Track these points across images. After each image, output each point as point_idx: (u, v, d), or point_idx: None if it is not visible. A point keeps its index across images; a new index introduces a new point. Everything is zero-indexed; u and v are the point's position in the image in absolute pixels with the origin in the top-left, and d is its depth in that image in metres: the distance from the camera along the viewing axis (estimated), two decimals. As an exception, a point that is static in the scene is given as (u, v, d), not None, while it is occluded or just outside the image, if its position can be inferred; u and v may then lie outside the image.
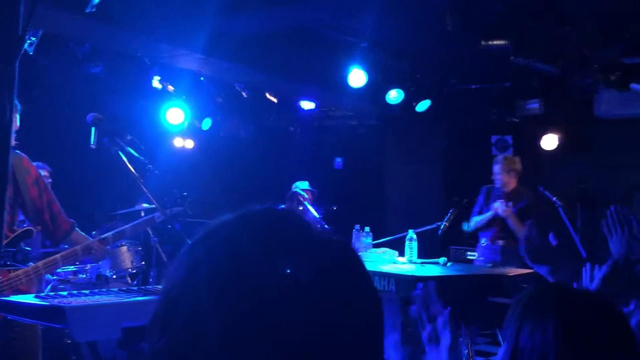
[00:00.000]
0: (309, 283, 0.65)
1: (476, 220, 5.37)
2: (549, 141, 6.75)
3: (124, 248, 5.18)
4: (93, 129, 3.74)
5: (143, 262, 5.29)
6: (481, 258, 5.33)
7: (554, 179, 5.25)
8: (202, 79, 6.25)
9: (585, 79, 5.87)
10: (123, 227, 2.97)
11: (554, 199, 4.92)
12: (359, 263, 0.72)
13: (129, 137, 2.80)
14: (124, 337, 1.85)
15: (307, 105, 7.05)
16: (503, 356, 1.20)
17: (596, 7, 4.81)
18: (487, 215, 5.26)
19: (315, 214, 5.00)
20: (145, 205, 5.38)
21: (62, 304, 1.85)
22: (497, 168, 5.33)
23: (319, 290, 0.65)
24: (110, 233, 2.89)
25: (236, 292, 0.64)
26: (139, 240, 5.36)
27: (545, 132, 6.79)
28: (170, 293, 0.68)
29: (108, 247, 2.84)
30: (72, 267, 4.84)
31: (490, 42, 5.14)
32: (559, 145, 6.74)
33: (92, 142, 4.06)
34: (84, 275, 4.91)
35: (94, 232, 4.35)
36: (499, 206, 5.08)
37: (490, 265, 4.95)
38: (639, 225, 1.98)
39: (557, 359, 1.10)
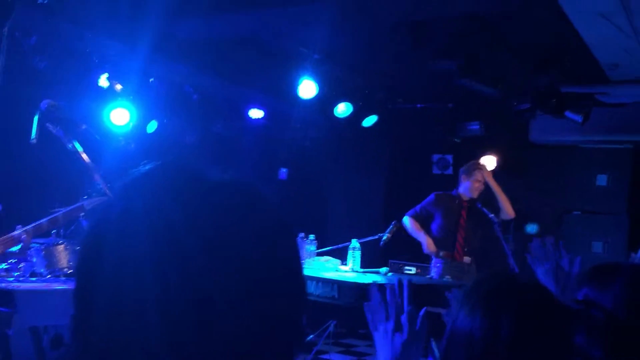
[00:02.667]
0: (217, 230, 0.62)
1: (410, 224, 5.39)
2: (487, 162, 7.00)
3: (61, 247, 5.02)
4: (35, 123, 3.65)
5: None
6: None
7: (490, 199, 5.45)
8: (151, 80, 6.17)
9: (523, 104, 6.16)
10: (55, 214, 2.88)
11: (491, 215, 5.11)
12: (262, 202, 0.68)
13: (83, 127, 2.75)
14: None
15: (255, 114, 7.07)
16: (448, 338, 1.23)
17: (538, 37, 5.08)
18: (419, 236, 5.32)
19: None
20: (85, 202, 5.24)
21: (10, 287, 1.81)
22: (481, 175, 5.33)
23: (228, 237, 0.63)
24: (43, 220, 2.80)
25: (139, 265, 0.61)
26: (76, 239, 5.22)
27: (484, 153, 7.05)
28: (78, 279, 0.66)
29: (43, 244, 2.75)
30: (4, 264, 4.67)
31: (437, 63, 5.34)
32: (496, 167, 7.00)
33: (32, 137, 3.96)
34: (17, 273, 4.74)
35: (18, 226, 4.22)
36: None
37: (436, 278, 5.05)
38: (570, 262, 1.91)
39: (506, 347, 1.12)
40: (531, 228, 6.33)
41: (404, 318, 1.38)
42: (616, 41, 4.67)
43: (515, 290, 1.18)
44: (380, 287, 1.48)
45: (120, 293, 0.61)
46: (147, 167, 0.69)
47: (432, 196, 5.47)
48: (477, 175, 5.29)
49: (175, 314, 0.60)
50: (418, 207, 5.46)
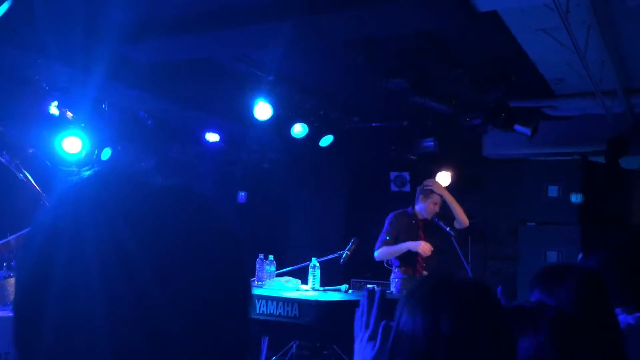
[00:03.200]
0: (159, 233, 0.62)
1: (384, 251, 5.27)
2: (443, 178, 7.12)
3: (12, 280, 4.88)
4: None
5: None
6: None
7: (446, 214, 5.53)
8: (104, 106, 6.09)
9: (475, 119, 6.30)
10: (7, 239, 2.80)
11: (448, 229, 5.19)
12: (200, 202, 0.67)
13: (31, 151, 2.69)
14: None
15: (212, 137, 7.05)
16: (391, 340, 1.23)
17: (486, 53, 5.23)
18: (401, 247, 5.23)
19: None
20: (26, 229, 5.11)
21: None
22: (438, 198, 5.33)
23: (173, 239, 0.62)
24: None
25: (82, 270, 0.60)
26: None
27: (439, 169, 7.17)
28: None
29: None
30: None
31: (389, 81, 5.43)
32: (451, 182, 7.12)
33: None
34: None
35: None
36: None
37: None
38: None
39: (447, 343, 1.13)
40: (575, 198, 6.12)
41: (379, 330, 1.37)
42: (559, 56, 4.85)
43: (452, 287, 1.19)
44: (370, 294, 1.47)
45: (62, 304, 0.60)
46: (86, 174, 0.68)
47: (390, 217, 5.43)
48: (435, 198, 5.33)
49: (122, 330, 0.59)
50: (384, 235, 5.35)
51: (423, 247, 5.16)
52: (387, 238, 5.30)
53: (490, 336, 1.15)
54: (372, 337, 1.36)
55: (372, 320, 1.36)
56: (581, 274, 1.96)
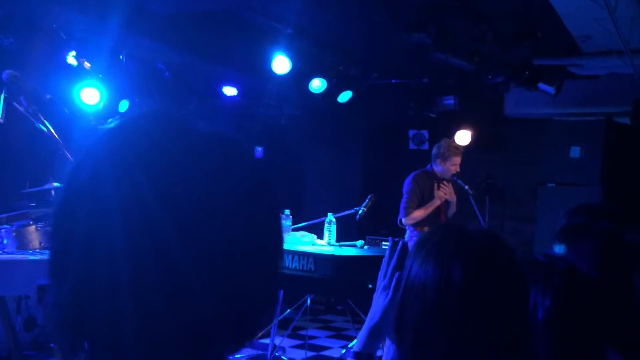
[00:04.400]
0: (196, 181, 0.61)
1: (415, 215, 5.09)
2: (462, 137, 7.04)
3: (32, 227, 4.94)
4: (2, 100, 3.55)
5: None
6: None
7: (465, 173, 5.45)
8: (121, 57, 6.05)
9: (497, 77, 6.17)
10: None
11: (466, 187, 5.13)
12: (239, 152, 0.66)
13: (48, 97, 2.68)
14: (40, 294, 1.79)
15: (229, 91, 7.00)
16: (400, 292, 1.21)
17: (511, 8, 5.08)
18: (431, 203, 5.09)
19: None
20: (56, 184, 5.15)
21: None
22: (458, 159, 5.17)
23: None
24: None
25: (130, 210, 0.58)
26: (48, 219, 5.13)
27: (459, 127, 7.07)
28: (58, 229, 0.63)
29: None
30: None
31: (411, 36, 5.31)
32: (471, 142, 7.04)
33: (0, 116, 3.86)
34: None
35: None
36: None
37: None
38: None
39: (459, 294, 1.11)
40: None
41: (392, 281, 1.35)
42: (588, 11, 4.69)
43: (465, 237, 1.16)
44: (394, 244, 1.43)
45: (94, 257, 0.59)
46: (130, 116, 0.65)
47: (412, 179, 5.22)
48: (455, 160, 5.13)
49: (149, 277, 0.58)
50: (409, 198, 5.13)
51: (438, 193, 5.06)
52: (413, 200, 5.09)
53: (503, 286, 1.13)
54: (387, 287, 1.35)
55: (389, 271, 1.35)
56: (601, 235, 1.91)
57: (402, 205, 5.15)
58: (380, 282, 1.36)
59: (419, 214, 5.09)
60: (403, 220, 5.15)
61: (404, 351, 1.14)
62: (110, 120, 0.66)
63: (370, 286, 3.77)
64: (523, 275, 1.17)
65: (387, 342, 1.36)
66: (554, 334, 1.31)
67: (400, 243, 1.37)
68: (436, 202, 5.11)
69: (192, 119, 0.66)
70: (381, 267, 1.38)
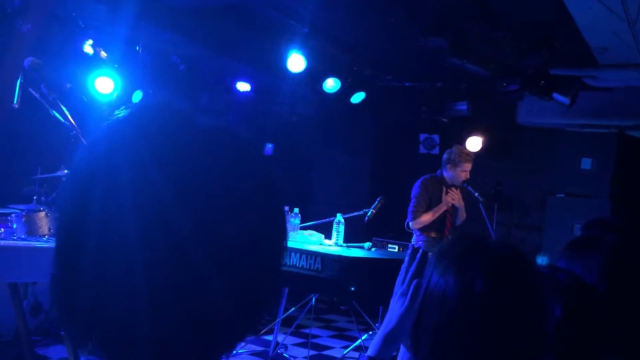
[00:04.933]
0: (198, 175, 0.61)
1: (422, 219, 5.09)
2: (473, 143, 7.02)
3: (42, 213, 4.98)
4: (18, 86, 3.57)
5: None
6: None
7: (474, 180, 5.44)
8: (137, 48, 6.07)
9: (512, 85, 6.15)
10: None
11: (476, 194, 5.12)
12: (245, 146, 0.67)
13: (68, 86, 2.69)
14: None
15: (243, 87, 7.01)
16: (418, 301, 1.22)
17: (529, 16, 5.06)
18: (438, 207, 5.08)
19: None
20: (67, 171, 5.18)
21: (-10, 243, 1.78)
22: (468, 166, 5.15)
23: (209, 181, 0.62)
24: None
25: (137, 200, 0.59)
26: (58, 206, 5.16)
27: (470, 134, 7.06)
28: (64, 219, 0.63)
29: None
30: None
31: (427, 40, 5.30)
32: (482, 148, 7.02)
33: (15, 101, 3.88)
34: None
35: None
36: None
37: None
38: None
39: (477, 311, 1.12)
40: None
41: (411, 288, 1.34)
42: (607, 24, 4.67)
43: (487, 249, 1.17)
44: (413, 251, 1.44)
45: (103, 249, 0.59)
46: (138, 107, 0.66)
47: (420, 183, 5.20)
48: (465, 166, 5.12)
49: (161, 271, 0.58)
50: (416, 203, 5.12)
51: (446, 198, 5.04)
52: (421, 205, 5.08)
53: (523, 299, 1.14)
54: (404, 294, 1.35)
55: (408, 277, 1.35)
56: (610, 248, 1.90)
57: (410, 209, 5.15)
58: (398, 289, 1.36)
59: (426, 218, 5.09)
60: (410, 224, 5.16)
61: (420, 359, 1.15)
62: (117, 111, 0.67)
63: (352, 289, 3.76)
64: (542, 288, 1.18)
65: (402, 349, 1.36)
66: (564, 344, 1.32)
67: (420, 251, 1.37)
68: (443, 207, 5.10)
69: (197, 114, 0.66)
70: (399, 274, 1.39)
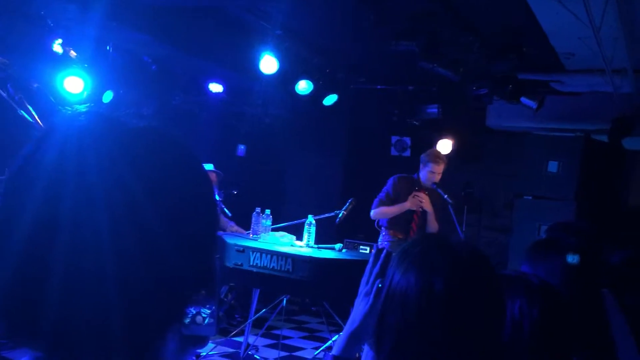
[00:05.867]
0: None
1: (379, 211, 5.18)
2: (444, 146, 7.11)
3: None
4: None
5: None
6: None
7: (444, 182, 5.51)
8: (108, 48, 6.01)
9: (481, 89, 6.25)
10: None
11: (446, 196, 5.18)
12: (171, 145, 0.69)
13: (35, 85, 2.66)
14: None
15: (215, 88, 6.98)
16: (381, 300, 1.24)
17: (499, 21, 5.15)
18: (401, 205, 5.12)
19: (216, 196, 4.96)
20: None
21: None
22: (441, 167, 5.21)
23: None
24: None
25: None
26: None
27: (441, 136, 7.15)
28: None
29: None
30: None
31: (399, 43, 5.36)
32: (452, 151, 7.11)
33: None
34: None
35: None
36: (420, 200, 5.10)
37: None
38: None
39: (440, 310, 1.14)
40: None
41: (374, 288, 1.37)
42: (573, 30, 4.78)
43: (447, 249, 1.19)
44: (377, 252, 1.47)
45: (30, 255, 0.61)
46: (68, 115, 0.69)
47: (394, 178, 5.31)
48: (432, 167, 5.19)
49: (87, 268, 0.61)
50: (383, 195, 5.25)
51: (412, 201, 5.10)
52: (384, 199, 5.20)
53: (483, 299, 1.17)
54: (368, 293, 1.38)
55: (372, 278, 1.38)
56: (571, 252, 1.95)
57: (376, 199, 5.25)
58: (363, 289, 1.39)
59: (386, 210, 5.18)
60: (371, 213, 5.23)
61: (383, 357, 1.17)
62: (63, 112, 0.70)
63: (313, 309, 3.77)
64: (501, 288, 1.21)
65: (366, 347, 1.39)
66: (541, 344, 1.36)
67: (384, 251, 1.40)
68: (406, 205, 5.14)
69: (128, 118, 0.70)
70: (364, 274, 1.41)
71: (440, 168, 5.21)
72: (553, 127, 6.81)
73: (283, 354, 5.69)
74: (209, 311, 0.72)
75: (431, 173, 5.18)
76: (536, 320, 1.37)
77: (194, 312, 0.71)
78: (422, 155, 5.36)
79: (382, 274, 1.34)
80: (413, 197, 5.15)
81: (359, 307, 1.39)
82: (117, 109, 7.22)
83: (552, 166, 6.46)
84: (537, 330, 1.36)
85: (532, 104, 5.97)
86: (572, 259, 1.88)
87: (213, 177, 5.26)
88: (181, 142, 0.70)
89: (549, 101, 6.28)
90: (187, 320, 0.70)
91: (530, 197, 6.62)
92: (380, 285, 1.36)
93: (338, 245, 4.68)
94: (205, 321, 0.71)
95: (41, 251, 0.61)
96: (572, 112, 6.60)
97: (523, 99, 5.97)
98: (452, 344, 1.12)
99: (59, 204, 0.61)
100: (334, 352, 1.34)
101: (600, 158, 6.47)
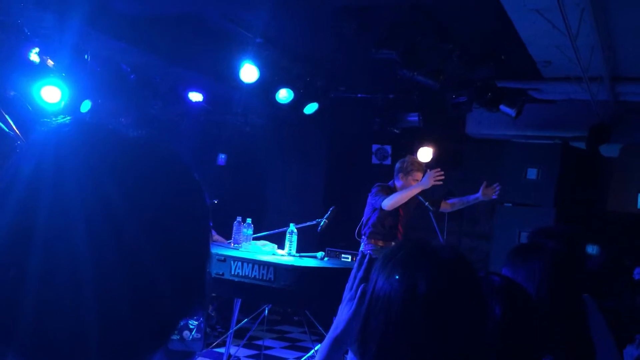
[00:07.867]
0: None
1: (397, 196, 5.04)
2: (424, 153, 7.15)
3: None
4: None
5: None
6: None
7: (425, 190, 5.53)
8: (86, 57, 5.95)
9: (460, 97, 6.30)
10: None
11: (427, 203, 5.20)
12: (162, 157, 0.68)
13: (12, 93, 2.61)
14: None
15: (195, 97, 6.95)
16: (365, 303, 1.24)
17: (478, 30, 5.20)
18: (418, 185, 5.04)
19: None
20: None
21: None
22: (421, 175, 5.20)
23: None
24: None
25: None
26: None
27: (421, 144, 7.18)
28: None
29: None
30: None
31: (379, 52, 5.38)
32: (433, 158, 7.15)
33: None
34: None
35: None
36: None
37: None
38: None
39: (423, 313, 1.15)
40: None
41: (358, 293, 1.37)
42: (550, 38, 4.84)
43: (429, 252, 1.20)
44: (362, 257, 1.47)
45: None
46: (60, 123, 0.67)
47: (377, 185, 5.29)
48: (417, 175, 5.19)
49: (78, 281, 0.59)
50: (382, 190, 5.18)
51: (431, 177, 4.99)
52: (387, 190, 5.12)
53: (466, 301, 1.17)
54: (352, 299, 1.37)
55: (355, 283, 1.37)
56: (550, 256, 1.97)
57: (376, 197, 5.13)
58: (347, 294, 1.38)
59: (401, 194, 5.03)
60: (383, 203, 5.02)
61: None
62: (49, 121, 0.67)
63: (296, 318, 3.77)
64: (483, 291, 1.21)
65: (350, 353, 1.38)
66: (502, 343, 1.37)
67: (368, 257, 1.40)
68: (425, 182, 5.02)
69: (123, 128, 0.68)
70: (348, 280, 1.40)
71: (422, 175, 5.24)
72: (532, 134, 6.88)
73: (265, 364, 5.65)
74: (197, 323, 0.70)
75: (415, 181, 5.19)
76: (499, 320, 1.38)
77: (181, 324, 0.68)
78: (402, 164, 5.33)
79: (365, 278, 1.33)
80: (430, 175, 5.02)
81: (343, 313, 1.38)
82: (96, 118, 7.14)
83: (532, 173, 6.52)
84: (499, 330, 1.36)
85: (511, 111, 6.03)
86: (592, 249, 1.94)
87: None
88: (176, 153, 0.68)
89: (528, 109, 6.35)
90: (174, 336, 0.67)
91: (510, 205, 6.68)
92: (363, 290, 1.35)
93: (320, 254, 4.66)
94: (191, 336, 0.69)
95: (17, 260, 0.59)
96: (551, 120, 6.68)
97: (502, 107, 6.03)
98: (436, 346, 1.12)
99: (36, 214, 0.59)
100: (317, 358, 1.32)
101: (578, 165, 6.55)
